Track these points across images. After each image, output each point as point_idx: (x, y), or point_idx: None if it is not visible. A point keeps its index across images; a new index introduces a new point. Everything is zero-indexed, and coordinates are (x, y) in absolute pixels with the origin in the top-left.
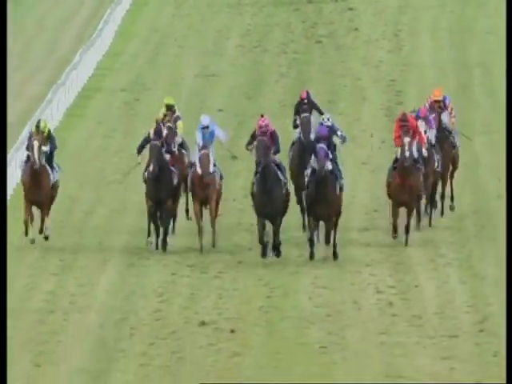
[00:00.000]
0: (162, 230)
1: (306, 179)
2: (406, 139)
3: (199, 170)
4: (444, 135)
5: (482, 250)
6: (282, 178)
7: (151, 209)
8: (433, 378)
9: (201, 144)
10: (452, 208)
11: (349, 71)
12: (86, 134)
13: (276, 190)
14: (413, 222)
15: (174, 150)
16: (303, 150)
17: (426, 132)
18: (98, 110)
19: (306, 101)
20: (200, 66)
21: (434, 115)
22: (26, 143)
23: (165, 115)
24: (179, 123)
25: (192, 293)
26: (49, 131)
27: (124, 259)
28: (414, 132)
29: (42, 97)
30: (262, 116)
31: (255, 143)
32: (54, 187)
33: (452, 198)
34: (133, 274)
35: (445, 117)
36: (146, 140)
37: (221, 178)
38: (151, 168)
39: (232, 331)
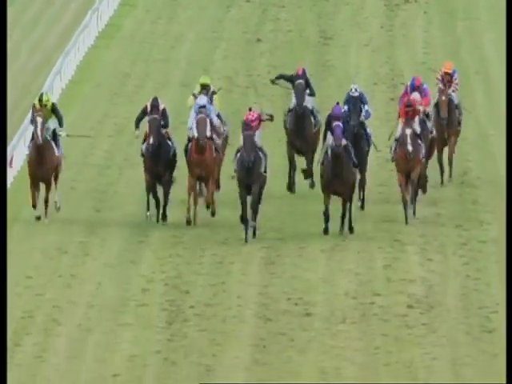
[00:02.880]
0: (161, 202)
1: (322, 155)
2: (408, 131)
3: (195, 132)
4: (451, 110)
5: (463, 116)
6: (263, 164)
7: (150, 183)
8: (422, 222)
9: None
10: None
11: None
12: (137, 21)
13: (257, 163)
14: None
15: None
16: (298, 115)
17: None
18: (146, 1)
19: (301, 77)
20: None
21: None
22: (30, 117)
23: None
24: (215, 97)
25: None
26: (52, 104)
27: None
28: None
29: None
30: (250, 110)
31: (243, 138)
32: (59, 162)
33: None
34: (176, 134)
35: (452, 93)
36: (144, 113)
37: (215, 149)
38: (150, 141)
39: None
